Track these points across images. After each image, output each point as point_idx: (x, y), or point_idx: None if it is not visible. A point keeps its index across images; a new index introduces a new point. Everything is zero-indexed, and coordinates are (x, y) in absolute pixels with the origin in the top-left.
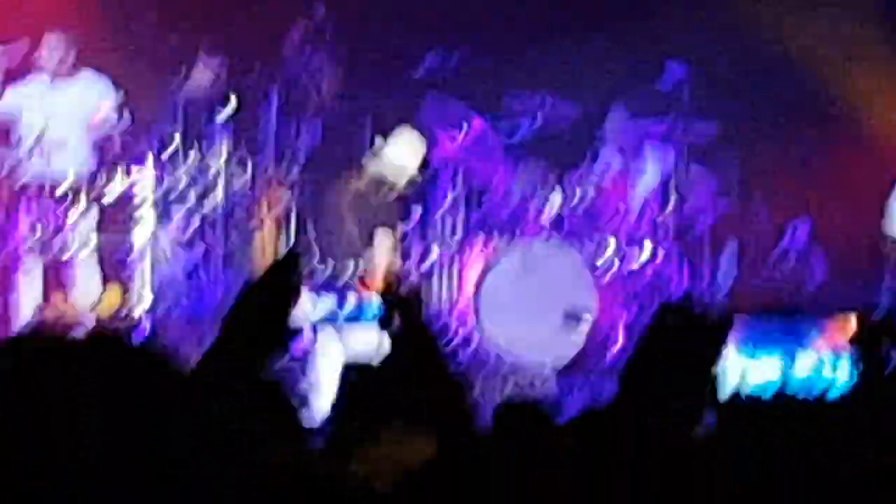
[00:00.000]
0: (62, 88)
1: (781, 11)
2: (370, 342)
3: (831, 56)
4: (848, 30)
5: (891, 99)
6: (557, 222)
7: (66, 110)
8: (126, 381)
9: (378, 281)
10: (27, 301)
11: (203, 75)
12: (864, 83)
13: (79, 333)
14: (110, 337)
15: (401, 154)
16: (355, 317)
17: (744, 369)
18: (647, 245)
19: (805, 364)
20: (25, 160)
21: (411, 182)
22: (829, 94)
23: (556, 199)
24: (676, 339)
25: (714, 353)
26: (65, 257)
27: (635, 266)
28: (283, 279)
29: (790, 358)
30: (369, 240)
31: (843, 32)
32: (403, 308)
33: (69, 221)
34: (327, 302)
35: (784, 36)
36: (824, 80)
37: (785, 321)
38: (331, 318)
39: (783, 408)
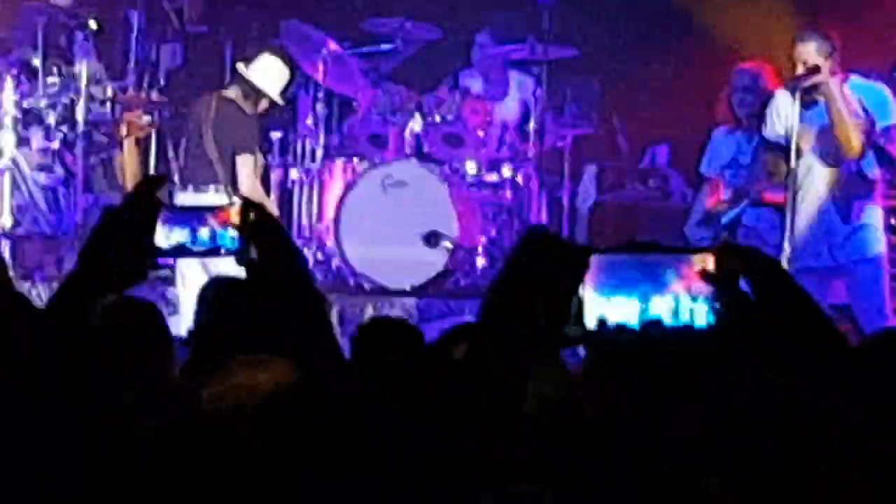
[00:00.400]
0: None
1: None
2: (230, 271)
3: None
4: None
5: (751, 24)
6: (417, 145)
7: None
8: None
9: (235, 211)
10: None
11: None
12: (723, 9)
13: None
14: None
15: (263, 76)
16: (211, 249)
17: (600, 308)
18: (507, 168)
19: (662, 306)
20: None
21: (273, 105)
22: (687, 19)
23: (416, 122)
24: (537, 267)
25: (573, 284)
26: None
27: (495, 189)
28: (143, 205)
29: (645, 300)
30: (230, 164)
31: None
32: (261, 239)
33: None
34: (181, 233)
35: None
36: (683, 4)
37: (642, 259)
38: (184, 250)
39: (649, 341)
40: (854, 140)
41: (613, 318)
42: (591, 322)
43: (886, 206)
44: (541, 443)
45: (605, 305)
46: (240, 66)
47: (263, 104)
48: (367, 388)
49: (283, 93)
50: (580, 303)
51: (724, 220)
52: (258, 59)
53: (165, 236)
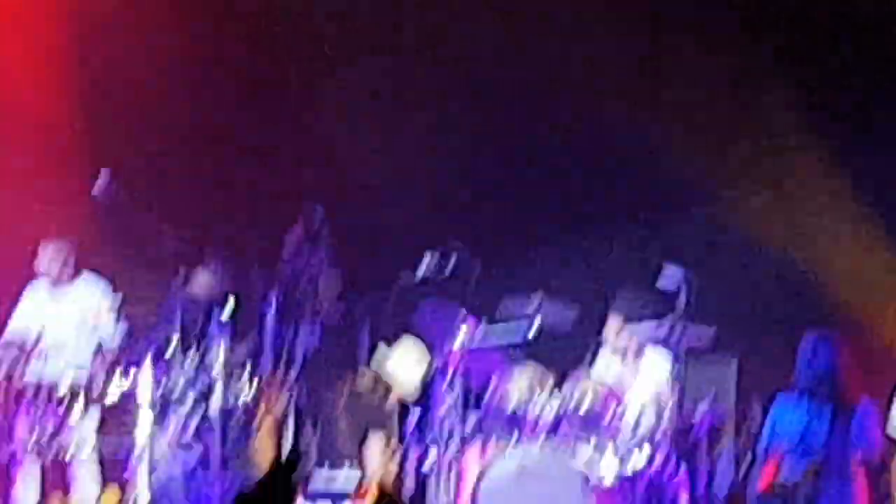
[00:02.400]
0: (62, 293)
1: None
2: None
3: (816, 243)
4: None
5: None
6: (555, 426)
7: (65, 313)
8: None
9: (373, 490)
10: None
11: (203, 278)
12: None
13: None
14: None
15: (404, 364)
16: None
17: None
18: (646, 449)
19: None
20: (25, 363)
21: (414, 390)
22: (830, 297)
23: (553, 402)
24: None
25: None
26: (64, 458)
27: (634, 470)
28: (280, 484)
29: None
30: (364, 443)
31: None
32: None
33: (69, 423)
34: None
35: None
36: (817, 276)
37: None
38: None
39: None
40: None
41: None
42: None
43: None
44: None
45: None
46: (382, 347)
47: (396, 395)
48: None
49: (424, 377)
50: None
51: None
52: (396, 348)
53: None
